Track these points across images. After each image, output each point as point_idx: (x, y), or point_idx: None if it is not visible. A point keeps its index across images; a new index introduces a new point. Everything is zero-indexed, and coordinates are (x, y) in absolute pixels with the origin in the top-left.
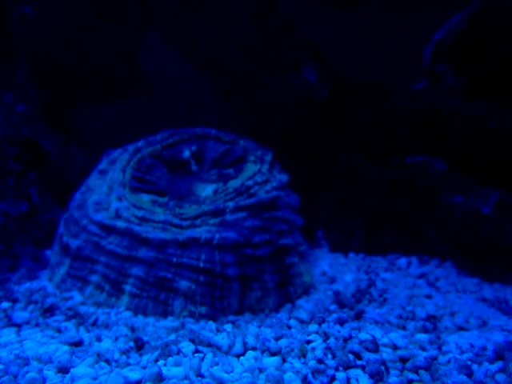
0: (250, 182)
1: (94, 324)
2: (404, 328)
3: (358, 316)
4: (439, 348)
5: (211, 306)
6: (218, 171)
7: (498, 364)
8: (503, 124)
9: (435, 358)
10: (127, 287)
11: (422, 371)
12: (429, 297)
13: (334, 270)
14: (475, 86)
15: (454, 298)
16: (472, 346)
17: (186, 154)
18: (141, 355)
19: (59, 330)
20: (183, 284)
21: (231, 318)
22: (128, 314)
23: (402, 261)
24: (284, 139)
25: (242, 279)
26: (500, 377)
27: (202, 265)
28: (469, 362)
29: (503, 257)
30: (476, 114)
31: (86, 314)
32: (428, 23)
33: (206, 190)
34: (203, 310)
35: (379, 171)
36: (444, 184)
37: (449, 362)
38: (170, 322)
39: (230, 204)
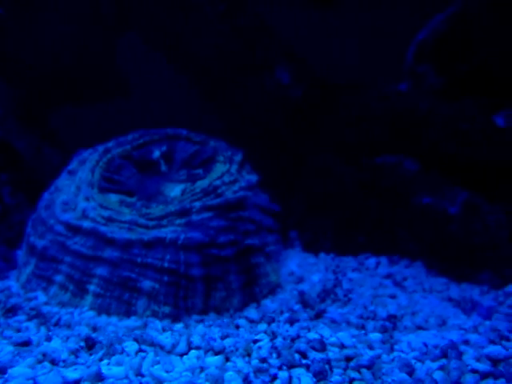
0: (218, 182)
1: (57, 324)
2: (363, 327)
3: (319, 315)
4: (391, 347)
5: (175, 305)
6: (188, 171)
7: (440, 362)
8: (474, 125)
9: (379, 357)
10: (91, 287)
11: (364, 370)
12: (393, 297)
13: (302, 270)
14: (455, 86)
15: (419, 298)
16: (425, 345)
17: (156, 154)
18: (91, 354)
19: (19, 330)
20: (147, 284)
21: (196, 317)
22: (91, 313)
23: (371, 261)
24: (262, 139)
25: (207, 279)
26: (438, 375)
27: (166, 265)
28: (413, 361)
29: (470, 256)
30: (448, 115)
31: (48, 313)
32: (409, 23)
33: (175, 191)
34: (167, 309)
35: (351, 171)
36: (414, 184)
37: (393, 360)
38: (132, 321)
39: (197, 204)
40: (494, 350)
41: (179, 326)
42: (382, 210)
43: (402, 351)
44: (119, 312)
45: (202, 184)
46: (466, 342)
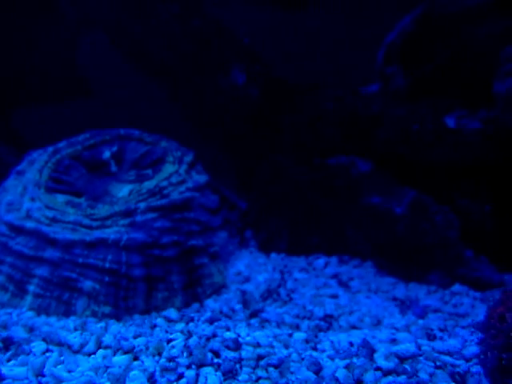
0: (165, 183)
1: None
2: (297, 327)
3: (254, 315)
4: (314, 347)
5: (115, 305)
6: (137, 172)
7: (348, 360)
8: (425, 126)
9: (289, 356)
10: (31, 287)
11: (271, 368)
12: (334, 296)
13: (250, 270)
14: (418, 87)
15: (362, 298)
16: (351, 344)
17: (106, 154)
18: (4, 355)
19: None
20: (87, 284)
21: (137, 317)
22: (30, 313)
23: (320, 261)
24: (223, 140)
25: (148, 280)
26: (341, 372)
27: (107, 265)
28: (324, 360)
29: (419, 257)
30: (399, 116)
31: None
32: (377, 24)
33: (123, 191)
34: (107, 309)
35: (304, 172)
36: (365, 185)
37: (303, 359)
38: (71, 321)
39: (142, 205)
40: (402, 348)
41: (114, 326)
42: (334, 211)
43: (324, 350)
44: (58, 312)
45: (148, 185)
46: (393, 341)
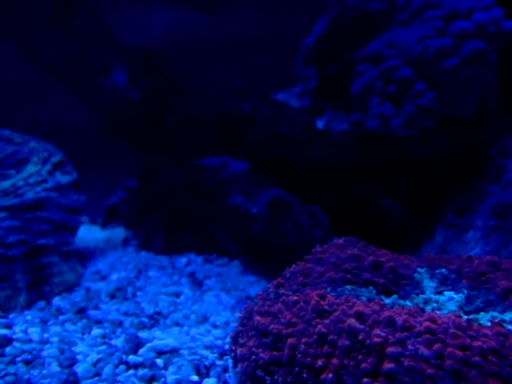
0: (21, 183)
1: None
2: (120, 324)
3: (80, 312)
4: (106, 343)
5: None
6: (1, 172)
7: (101, 355)
8: (294, 127)
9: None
10: None
11: (21, 364)
12: (176, 294)
13: (110, 269)
14: (324, 88)
15: (209, 297)
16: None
17: None
18: None
19: None
20: None
21: None
22: None
23: (182, 260)
24: (117, 140)
25: None
26: (81, 367)
27: None
28: (80, 355)
29: (281, 256)
30: (269, 117)
31: None
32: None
33: None
34: None
35: (178, 172)
36: (234, 185)
37: (63, 353)
38: None
39: None
40: (163, 343)
41: None
42: (204, 211)
43: (113, 346)
44: None
45: (5, 184)
46: (193, 339)
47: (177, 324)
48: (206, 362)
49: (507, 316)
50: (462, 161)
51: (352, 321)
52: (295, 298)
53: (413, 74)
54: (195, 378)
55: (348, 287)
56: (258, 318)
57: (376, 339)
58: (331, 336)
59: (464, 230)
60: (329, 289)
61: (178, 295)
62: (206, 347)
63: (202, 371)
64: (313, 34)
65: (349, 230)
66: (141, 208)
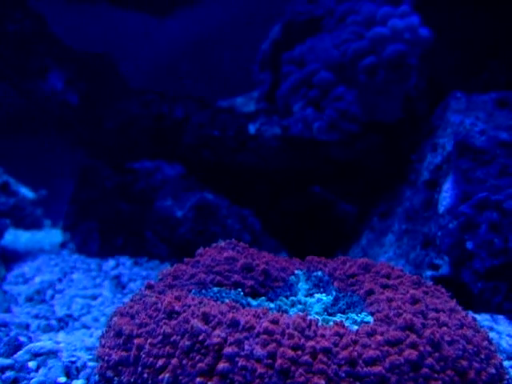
0: None
1: None
2: (26, 327)
3: None
4: None
5: None
6: None
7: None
8: (226, 132)
9: None
10: None
11: None
12: (93, 297)
13: (36, 272)
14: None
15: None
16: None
17: None
18: None
19: None
20: None
21: None
22: None
23: (110, 263)
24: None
25: None
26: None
27: None
28: None
29: None
30: (201, 123)
31: None
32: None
33: None
34: None
35: (111, 176)
36: (165, 188)
37: None
38: None
39: None
40: (41, 345)
41: None
42: (137, 214)
43: None
44: None
45: None
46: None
47: (84, 326)
48: (79, 364)
49: (360, 316)
50: (389, 165)
51: (195, 321)
52: (154, 299)
53: (333, 78)
54: (63, 379)
55: (215, 289)
56: (115, 318)
57: (215, 339)
58: (174, 337)
59: (383, 234)
60: (193, 290)
61: (95, 298)
62: (88, 349)
63: (73, 373)
64: (268, 38)
65: (298, 232)
66: (77, 211)
